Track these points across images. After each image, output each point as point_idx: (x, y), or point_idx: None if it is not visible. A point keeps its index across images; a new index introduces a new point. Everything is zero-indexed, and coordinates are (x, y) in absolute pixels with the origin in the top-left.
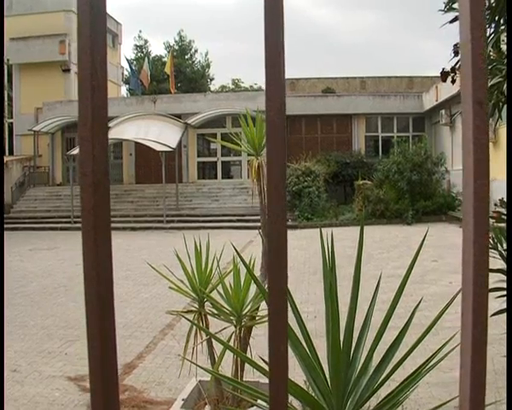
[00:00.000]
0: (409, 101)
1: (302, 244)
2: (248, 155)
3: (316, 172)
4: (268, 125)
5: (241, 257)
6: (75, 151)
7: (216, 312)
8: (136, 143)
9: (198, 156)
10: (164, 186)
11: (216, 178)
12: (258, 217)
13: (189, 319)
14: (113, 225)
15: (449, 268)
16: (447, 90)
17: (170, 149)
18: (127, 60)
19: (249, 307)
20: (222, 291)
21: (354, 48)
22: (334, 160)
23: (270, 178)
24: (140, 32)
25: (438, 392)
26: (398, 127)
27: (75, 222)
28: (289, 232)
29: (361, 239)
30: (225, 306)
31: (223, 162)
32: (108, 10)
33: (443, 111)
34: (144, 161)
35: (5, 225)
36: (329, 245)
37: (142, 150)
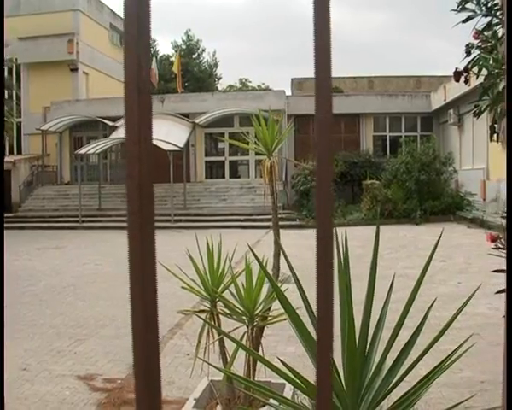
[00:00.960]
0: (417, 100)
1: (310, 244)
2: (256, 154)
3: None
4: (317, 125)
5: (257, 258)
6: (83, 150)
7: (228, 311)
8: None
9: (206, 156)
10: (172, 186)
11: (223, 177)
12: (266, 217)
13: (203, 319)
14: (120, 224)
15: (457, 268)
16: (455, 89)
17: (178, 149)
18: None
19: (261, 307)
20: (233, 291)
21: (362, 47)
22: (342, 159)
23: (320, 178)
24: None
25: (448, 393)
26: (406, 127)
27: (83, 221)
28: (296, 232)
29: (377, 239)
30: (238, 306)
31: (230, 162)
32: (115, 9)
33: (451, 111)
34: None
35: (13, 224)
36: (342, 245)
37: None
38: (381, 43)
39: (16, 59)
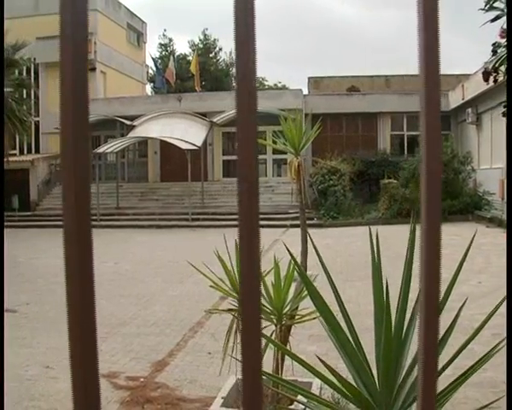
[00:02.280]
0: None
1: (328, 243)
2: (273, 153)
3: (341, 170)
4: (425, 126)
5: (293, 258)
6: (101, 149)
7: None
8: (162, 141)
9: (223, 155)
10: (189, 184)
11: None
12: (283, 215)
13: (235, 316)
14: (138, 223)
15: (477, 268)
16: (474, 88)
17: (195, 148)
18: (153, 58)
19: (289, 306)
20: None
21: (379, 45)
22: (360, 158)
23: (428, 178)
24: (165, 30)
25: (472, 393)
26: None
27: (101, 220)
28: (315, 231)
29: (412, 237)
30: (266, 304)
31: None
32: (133, 9)
33: (469, 110)
34: (169, 160)
35: (32, 223)
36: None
37: (167, 149)
38: (397, 40)
39: (34, 58)
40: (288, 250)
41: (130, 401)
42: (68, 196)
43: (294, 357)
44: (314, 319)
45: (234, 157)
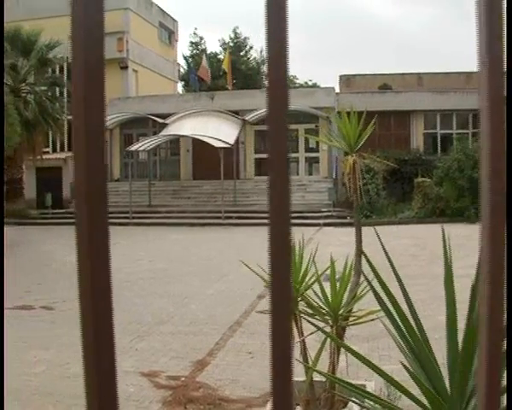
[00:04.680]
0: (468, 97)
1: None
2: (305, 151)
3: (375, 169)
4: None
5: (367, 258)
6: (133, 147)
7: (310, 311)
8: (194, 139)
9: (255, 153)
10: (222, 182)
11: None
12: (316, 214)
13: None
14: (170, 221)
15: None
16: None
17: (228, 146)
18: (185, 57)
19: (345, 307)
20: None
21: (411, 42)
22: (393, 157)
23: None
24: (195, 29)
25: None
26: (458, 124)
27: (133, 218)
28: (348, 230)
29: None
30: (322, 305)
31: None
32: (165, 7)
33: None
34: (201, 158)
35: (65, 220)
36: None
37: (199, 147)
38: (430, 37)
39: (67, 57)
40: (366, 256)
41: (172, 400)
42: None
43: (360, 357)
44: (372, 320)
45: (266, 155)
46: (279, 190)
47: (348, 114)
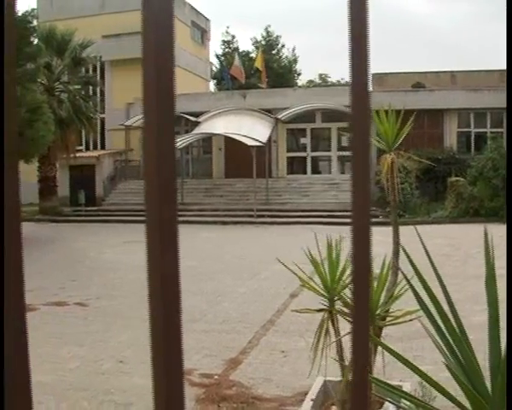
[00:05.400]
0: (502, 95)
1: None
2: (338, 149)
3: (408, 168)
4: None
5: (409, 258)
6: None
7: (347, 311)
8: (226, 137)
9: (287, 151)
10: (254, 181)
11: (305, 173)
12: (349, 213)
13: (331, 315)
14: (203, 219)
15: None
16: None
17: (260, 144)
18: (217, 56)
19: (381, 307)
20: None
21: (445, 40)
22: (426, 156)
23: None
24: (227, 27)
25: None
26: (492, 123)
27: None
28: (380, 229)
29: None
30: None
31: (312, 157)
32: (197, 6)
33: None
34: (234, 156)
35: (97, 218)
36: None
37: (231, 145)
38: (463, 34)
39: (100, 56)
40: (407, 254)
41: (205, 398)
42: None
43: (400, 357)
44: (410, 320)
45: (298, 154)
46: (361, 190)
47: (386, 112)
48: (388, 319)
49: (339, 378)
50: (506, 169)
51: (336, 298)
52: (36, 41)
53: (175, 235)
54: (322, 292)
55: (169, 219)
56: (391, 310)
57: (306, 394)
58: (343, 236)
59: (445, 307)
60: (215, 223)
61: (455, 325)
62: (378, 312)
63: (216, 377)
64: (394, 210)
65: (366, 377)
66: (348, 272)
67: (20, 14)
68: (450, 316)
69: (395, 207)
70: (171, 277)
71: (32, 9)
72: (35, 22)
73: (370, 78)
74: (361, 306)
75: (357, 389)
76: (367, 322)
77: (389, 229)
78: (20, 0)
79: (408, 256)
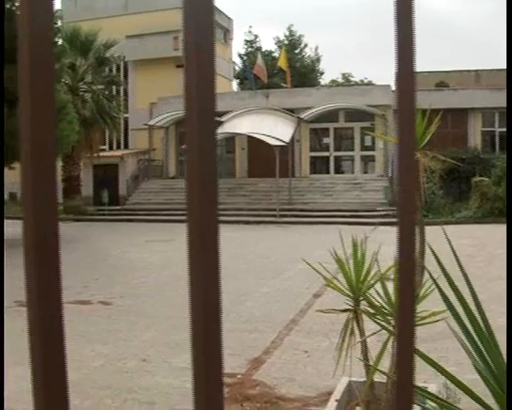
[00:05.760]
0: None
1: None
2: (361, 149)
3: (431, 167)
4: None
5: (437, 258)
6: None
7: (372, 311)
8: (249, 137)
9: (310, 151)
10: (277, 180)
11: (328, 173)
12: (372, 213)
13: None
14: (226, 218)
15: None
16: None
17: (283, 144)
18: (240, 55)
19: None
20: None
21: (468, 38)
22: (450, 155)
23: None
24: (250, 27)
25: None
26: None
27: None
28: None
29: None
30: (385, 305)
31: (335, 157)
32: (219, 5)
33: None
34: (257, 155)
35: (121, 217)
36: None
37: (254, 144)
38: (485, 33)
39: (124, 56)
40: (434, 254)
41: (228, 397)
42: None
43: (426, 358)
44: (437, 321)
45: (321, 154)
46: (407, 190)
47: None
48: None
49: (363, 379)
50: (506, 169)
51: (361, 298)
52: (60, 41)
53: (216, 235)
54: (347, 292)
55: (210, 220)
56: (417, 311)
57: (330, 394)
58: (367, 235)
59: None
60: (238, 222)
61: (483, 326)
62: None
63: (239, 376)
64: (420, 210)
65: (412, 379)
66: (373, 272)
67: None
68: (477, 317)
69: (421, 206)
70: (212, 276)
71: (57, 10)
72: (59, 23)
73: (416, 79)
74: (406, 306)
75: (402, 391)
76: (412, 322)
77: None
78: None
79: (436, 256)
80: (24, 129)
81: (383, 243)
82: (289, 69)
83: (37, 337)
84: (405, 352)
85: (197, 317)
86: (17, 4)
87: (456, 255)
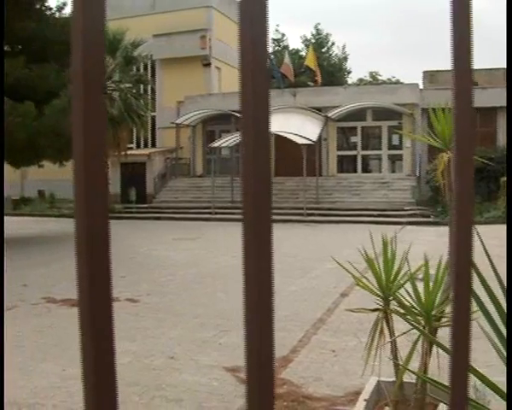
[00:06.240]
0: None
1: (447, 241)
2: (389, 148)
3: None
4: None
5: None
6: (216, 144)
7: (402, 311)
8: (276, 135)
9: (338, 150)
10: (304, 179)
11: (355, 172)
12: (399, 212)
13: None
14: None
15: None
16: None
17: (311, 143)
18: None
19: (437, 308)
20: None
21: (498, 36)
22: (478, 155)
23: None
24: (277, 25)
25: None
26: None
27: (216, 213)
28: (431, 229)
29: None
30: (415, 305)
31: (363, 156)
32: None
33: None
34: (284, 154)
35: (148, 215)
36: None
37: (281, 143)
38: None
39: (151, 55)
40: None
41: None
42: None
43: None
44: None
45: (349, 153)
46: (465, 193)
47: (442, 110)
48: (443, 320)
49: (391, 379)
50: (506, 169)
51: (391, 298)
52: None
53: (269, 235)
54: (376, 291)
55: (264, 218)
56: (446, 311)
57: (357, 394)
58: (394, 236)
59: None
60: None
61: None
62: (434, 313)
63: None
64: (451, 211)
65: (467, 381)
66: (403, 271)
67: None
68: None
69: (452, 207)
70: (266, 274)
71: None
72: None
73: (473, 78)
74: (461, 318)
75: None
76: (468, 335)
77: (440, 229)
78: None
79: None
80: (76, 132)
81: (412, 243)
82: (318, 67)
83: (88, 338)
84: (460, 367)
85: (251, 318)
86: (46, 5)
87: (488, 256)
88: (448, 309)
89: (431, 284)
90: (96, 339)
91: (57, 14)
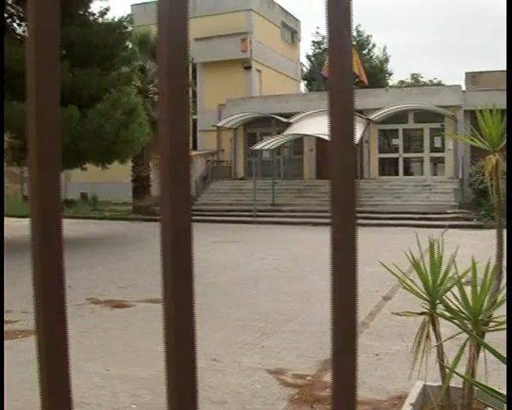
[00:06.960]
0: None
1: (490, 245)
2: (431, 151)
3: (504, 169)
4: None
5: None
6: (258, 146)
7: (449, 315)
8: (318, 138)
9: (379, 152)
10: None
11: (397, 174)
12: (442, 215)
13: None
14: (293, 220)
15: None
16: None
17: None
18: (308, 57)
19: (484, 313)
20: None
21: None
22: None
23: None
24: (318, 27)
25: None
26: None
27: (257, 216)
28: (473, 232)
29: None
30: (462, 309)
31: (404, 159)
32: (287, 7)
33: None
34: (325, 157)
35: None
36: None
37: (323, 146)
38: None
39: (193, 58)
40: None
41: (298, 399)
42: None
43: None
44: None
45: (390, 155)
46: None
47: (490, 111)
48: (491, 324)
49: (437, 383)
50: (506, 169)
51: (437, 301)
52: (130, 45)
53: (354, 238)
54: (423, 295)
55: (348, 221)
56: (494, 316)
57: (400, 398)
58: (437, 239)
59: None
60: (306, 224)
61: None
62: (481, 317)
63: (309, 378)
64: (498, 213)
65: None
66: (450, 274)
67: (116, 19)
68: None
69: (499, 209)
70: (351, 279)
71: (128, 15)
72: (130, 27)
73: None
74: None
75: None
76: None
77: (481, 232)
78: (116, 6)
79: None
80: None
81: (458, 246)
82: (362, 69)
83: (172, 335)
84: None
85: (338, 317)
86: (90, 10)
87: None
88: (495, 314)
89: (478, 287)
90: (179, 337)
91: (100, 20)
